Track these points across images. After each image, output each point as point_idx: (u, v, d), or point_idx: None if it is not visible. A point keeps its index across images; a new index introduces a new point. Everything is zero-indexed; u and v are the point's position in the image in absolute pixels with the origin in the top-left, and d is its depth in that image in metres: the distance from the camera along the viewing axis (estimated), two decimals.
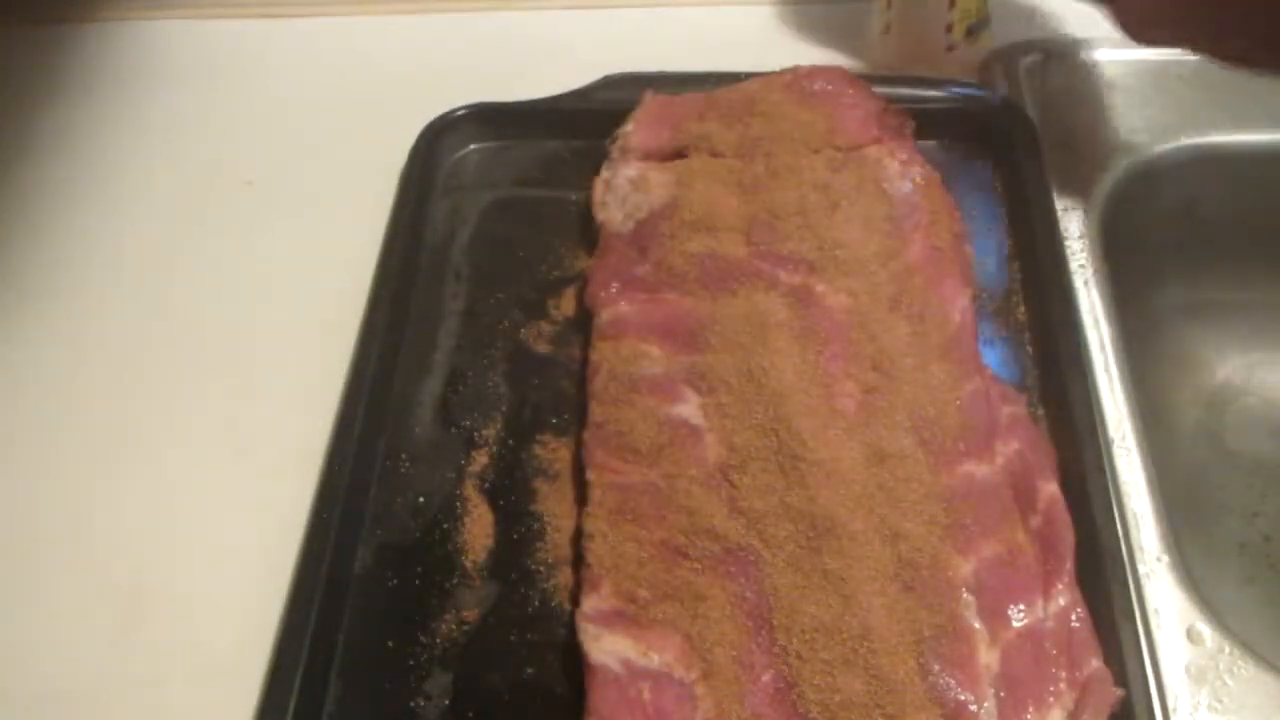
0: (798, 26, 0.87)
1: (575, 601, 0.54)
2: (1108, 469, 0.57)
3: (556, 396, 0.64)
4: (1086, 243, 0.71)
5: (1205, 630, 0.54)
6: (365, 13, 0.91)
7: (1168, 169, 0.76)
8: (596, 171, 0.71)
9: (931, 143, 0.75)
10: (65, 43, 0.90)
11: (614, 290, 0.64)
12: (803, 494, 0.54)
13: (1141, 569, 0.55)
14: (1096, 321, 0.66)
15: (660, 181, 0.69)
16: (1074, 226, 0.72)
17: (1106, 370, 0.63)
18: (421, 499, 0.61)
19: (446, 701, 0.53)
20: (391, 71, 0.86)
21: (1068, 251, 0.69)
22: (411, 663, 0.55)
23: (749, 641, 0.51)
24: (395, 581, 0.58)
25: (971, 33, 0.79)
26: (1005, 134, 0.73)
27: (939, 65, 0.80)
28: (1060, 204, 0.72)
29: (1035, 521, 0.55)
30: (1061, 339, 0.63)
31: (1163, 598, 0.55)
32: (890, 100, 0.73)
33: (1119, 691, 0.49)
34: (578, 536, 0.56)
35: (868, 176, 0.68)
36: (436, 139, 0.76)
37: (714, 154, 0.70)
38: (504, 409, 0.64)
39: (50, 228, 0.77)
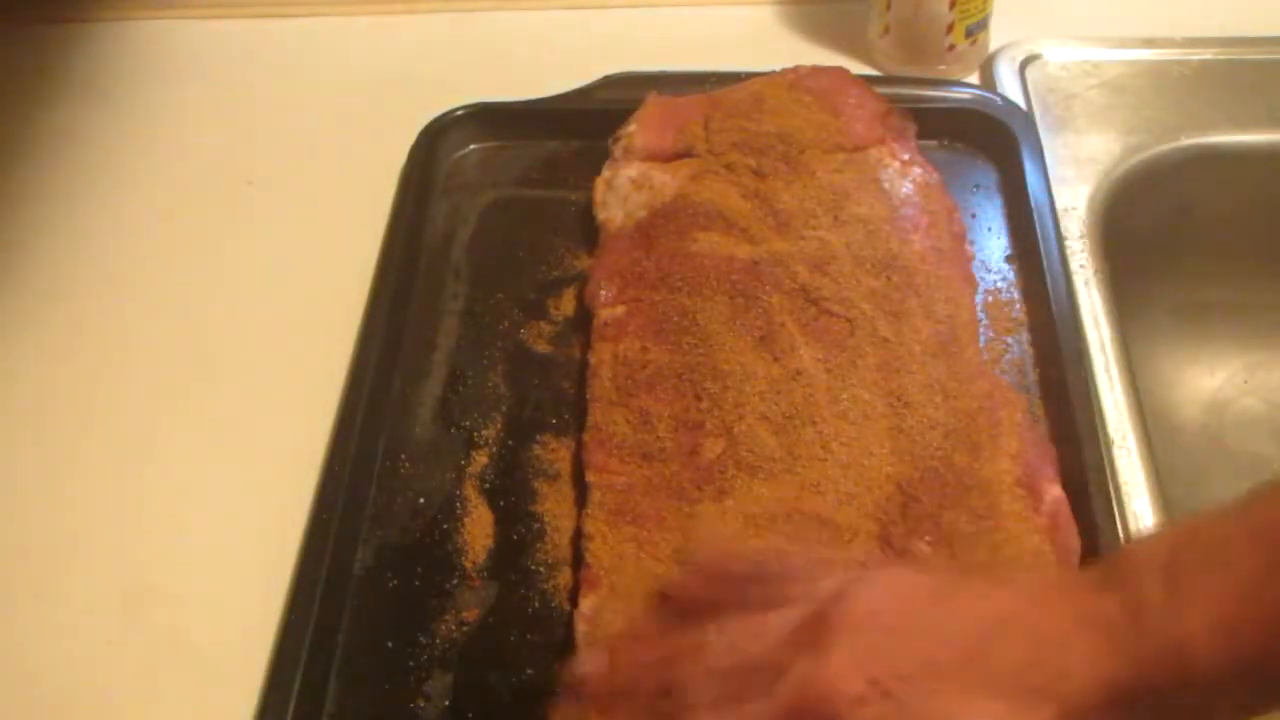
0: (798, 26, 0.87)
1: (575, 602, 0.54)
2: (1108, 469, 0.57)
3: (556, 396, 0.64)
4: (1086, 243, 0.71)
5: None
6: (365, 13, 0.91)
7: (1168, 169, 0.76)
8: (596, 171, 0.71)
9: (932, 143, 0.75)
10: (66, 43, 0.90)
11: (614, 290, 0.64)
12: (805, 496, 0.54)
13: None
14: (1096, 321, 0.66)
15: (662, 181, 0.69)
16: (1074, 226, 0.72)
17: (1106, 370, 0.63)
18: (421, 499, 0.61)
19: (446, 702, 0.53)
20: (391, 71, 0.86)
21: (1068, 251, 0.69)
22: (411, 663, 0.55)
23: None
24: (395, 581, 0.58)
25: (971, 33, 0.79)
26: (1005, 134, 0.73)
27: (939, 65, 0.80)
28: (1060, 204, 0.72)
29: (1041, 524, 0.55)
30: (1062, 339, 0.62)
31: None
32: (890, 100, 0.73)
33: None
34: (578, 537, 0.56)
35: (869, 177, 0.68)
36: (436, 139, 0.76)
37: (717, 154, 0.70)
38: (504, 409, 0.64)
39: (49, 228, 0.77)
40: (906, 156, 0.70)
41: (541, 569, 0.58)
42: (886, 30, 0.81)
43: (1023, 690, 0.39)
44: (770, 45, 0.85)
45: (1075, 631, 0.40)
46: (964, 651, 0.41)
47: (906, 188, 0.68)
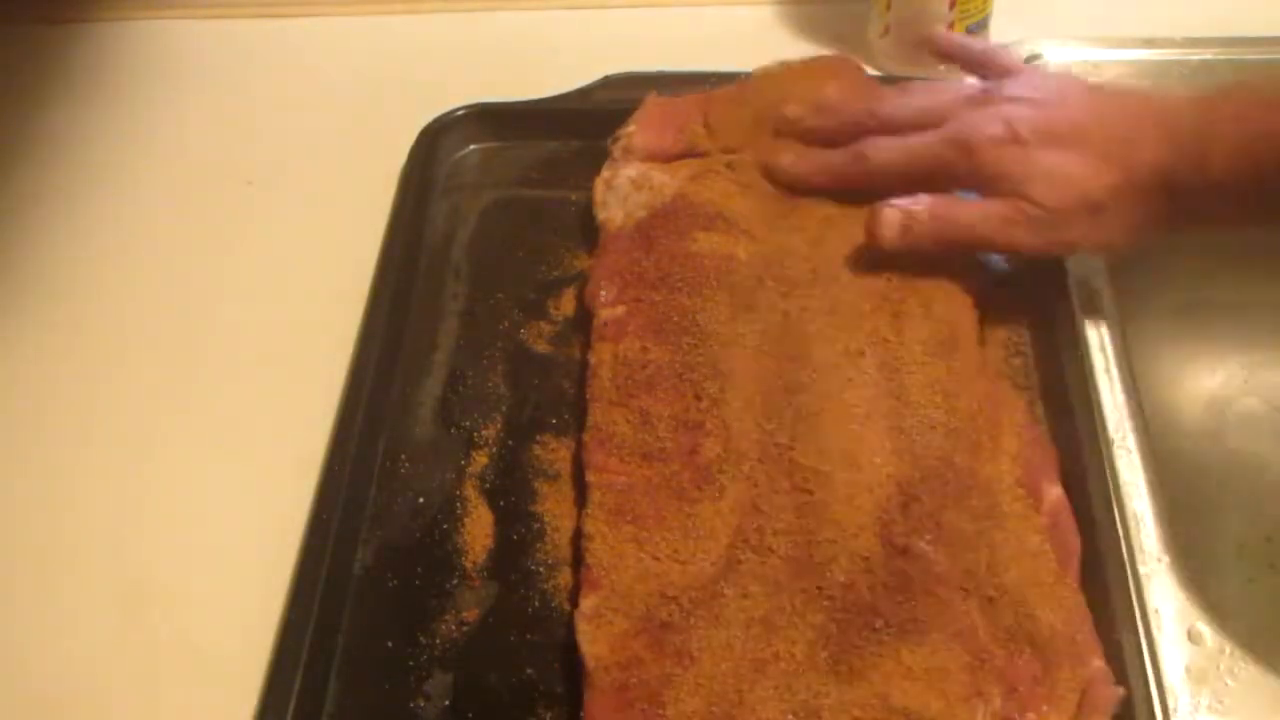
0: (798, 26, 0.87)
1: (575, 602, 0.54)
2: (1108, 469, 0.57)
3: (556, 396, 0.64)
4: None
5: (1206, 631, 0.54)
6: (365, 13, 0.91)
7: None
8: (596, 171, 0.71)
9: None
10: (66, 43, 0.90)
11: (614, 290, 0.64)
12: (804, 497, 0.54)
13: (1142, 569, 0.55)
14: (1097, 322, 0.66)
15: (662, 181, 0.69)
16: None
17: (1106, 370, 0.63)
18: (421, 499, 0.61)
19: (446, 702, 0.53)
20: (391, 71, 0.86)
21: None
22: (411, 663, 0.55)
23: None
24: (395, 581, 0.58)
25: (971, 33, 0.79)
26: None
27: (939, 65, 0.80)
28: None
29: (1041, 524, 0.54)
30: (1061, 339, 0.62)
31: (1163, 598, 0.55)
32: None
33: (1120, 691, 0.49)
34: (578, 537, 0.56)
35: None
36: (436, 139, 0.76)
37: (717, 154, 0.69)
38: (504, 409, 0.64)
39: (48, 228, 0.77)
40: None
41: (541, 569, 0.58)
42: (886, 30, 0.81)
43: (1105, 156, 0.57)
44: (770, 45, 0.85)
45: (1153, 128, 0.57)
46: (1077, 125, 0.59)
47: None
